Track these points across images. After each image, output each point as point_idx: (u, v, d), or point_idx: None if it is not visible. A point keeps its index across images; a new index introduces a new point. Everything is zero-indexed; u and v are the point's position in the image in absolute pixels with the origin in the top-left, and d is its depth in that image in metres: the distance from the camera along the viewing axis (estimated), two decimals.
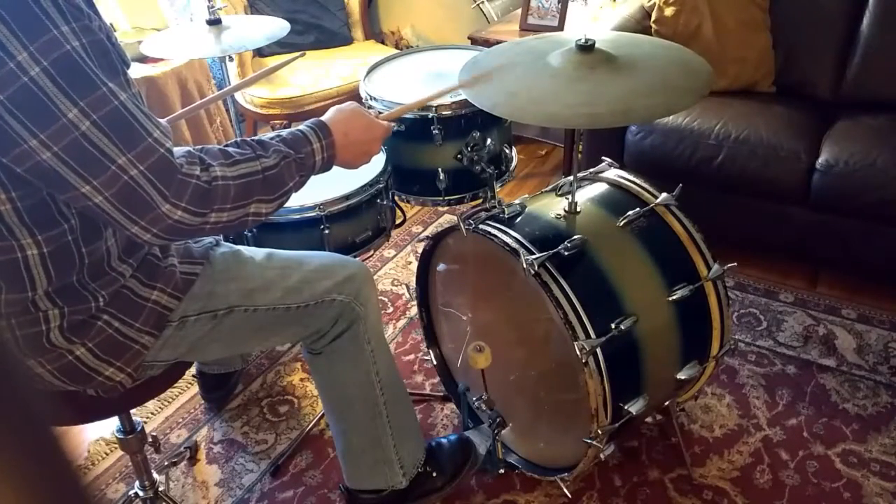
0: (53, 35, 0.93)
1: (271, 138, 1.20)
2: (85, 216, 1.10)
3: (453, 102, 1.69)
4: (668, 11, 2.50)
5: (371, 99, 1.77)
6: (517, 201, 1.62)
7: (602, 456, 1.48)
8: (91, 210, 1.02)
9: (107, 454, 1.90)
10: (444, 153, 1.72)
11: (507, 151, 1.87)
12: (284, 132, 1.23)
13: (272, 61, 3.14)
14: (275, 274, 1.36)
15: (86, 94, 0.96)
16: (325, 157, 1.25)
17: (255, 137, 1.19)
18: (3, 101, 0.93)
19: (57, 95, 0.94)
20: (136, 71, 2.69)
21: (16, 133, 0.95)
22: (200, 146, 1.12)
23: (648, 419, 1.85)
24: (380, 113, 1.49)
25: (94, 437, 1.93)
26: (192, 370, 2.00)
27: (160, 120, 1.08)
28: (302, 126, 1.26)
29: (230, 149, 1.13)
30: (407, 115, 1.71)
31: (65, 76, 0.94)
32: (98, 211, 1.02)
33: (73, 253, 1.11)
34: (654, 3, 2.56)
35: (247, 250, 1.39)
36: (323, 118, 1.29)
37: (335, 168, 1.69)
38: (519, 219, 1.55)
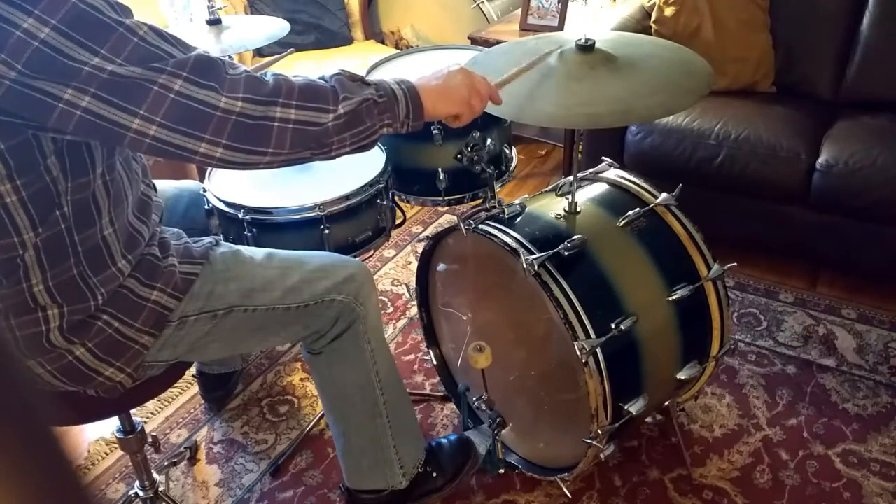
0: None
1: None
2: (79, 203, 1.09)
3: None
4: (668, 11, 2.50)
5: None
6: (517, 201, 1.62)
7: (602, 456, 1.48)
8: (154, 150, 1.00)
9: (107, 454, 1.90)
10: (444, 153, 1.72)
11: (507, 151, 1.87)
12: None
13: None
14: (275, 274, 1.36)
15: (104, 41, 0.95)
16: (404, 90, 1.17)
17: None
18: (21, 70, 0.92)
19: (75, 49, 0.93)
20: None
21: (47, 94, 0.94)
22: None
23: (648, 419, 1.85)
24: None
25: (94, 437, 1.93)
26: (192, 370, 2.00)
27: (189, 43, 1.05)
28: None
29: None
30: None
31: (77, 29, 0.93)
32: (159, 147, 1.00)
33: (65, 241, 1.10)
34: (654, 3, 2.56)
35: (246, 250, 1.39)
36: None
37: (335, 167, 1.69)
38: (519, 219, 1.55)
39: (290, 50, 2.23)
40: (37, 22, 0.91)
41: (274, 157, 1.06)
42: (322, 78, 1.13)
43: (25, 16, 0.91)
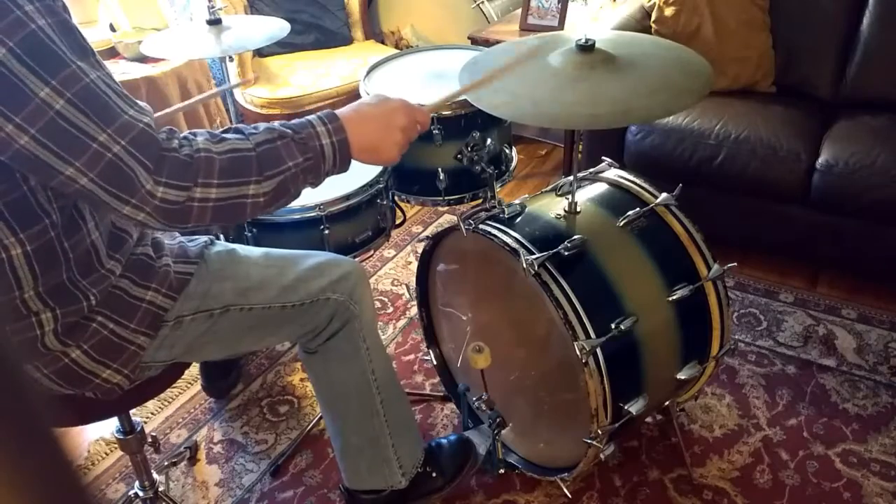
0: (17, 15, 0.92)
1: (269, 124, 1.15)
2: (65, 210, 1.09)
3: (453, 102, 1.68)
4: (668, 11, 2.50)
5: None
6: (517, 201, 1.62)
7: (602, 456, 1.48)
8: (80, 195, 1.00)
9: (107, 454, 1.90)
10: (444, 153, 1.72)
11: (507, 151, 1.87)
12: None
13: (272, 61, 3.16)
14: (270, 273, 1.36)
15: (56, 73, 0.94)
16: (333, 142, 1.14)
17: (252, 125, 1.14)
18: None
19: (27, 76, 0.92)
20: (136, 71, 2.69)
21: None
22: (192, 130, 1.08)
23: (648, 419, 1.85)
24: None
25: (94, 437, 1.94)
26: (195, 366, 1.99)
27: (138, 101, 1.05)
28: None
29: (220, 132, 1.10)
30: None
31: (33, 55, 0.93)
32: (87, 194, 1.00)
33: (56, 249, 1.10)
34: (654, 3, 2.55)
35: (242, 249, 1.39)
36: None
37: None
38: (519, 219, 1.55)
39: (245, 80, 2.25)
40: None
41: (195, 227, 1.07)
42: (247, 137, 1.09)
43: None
